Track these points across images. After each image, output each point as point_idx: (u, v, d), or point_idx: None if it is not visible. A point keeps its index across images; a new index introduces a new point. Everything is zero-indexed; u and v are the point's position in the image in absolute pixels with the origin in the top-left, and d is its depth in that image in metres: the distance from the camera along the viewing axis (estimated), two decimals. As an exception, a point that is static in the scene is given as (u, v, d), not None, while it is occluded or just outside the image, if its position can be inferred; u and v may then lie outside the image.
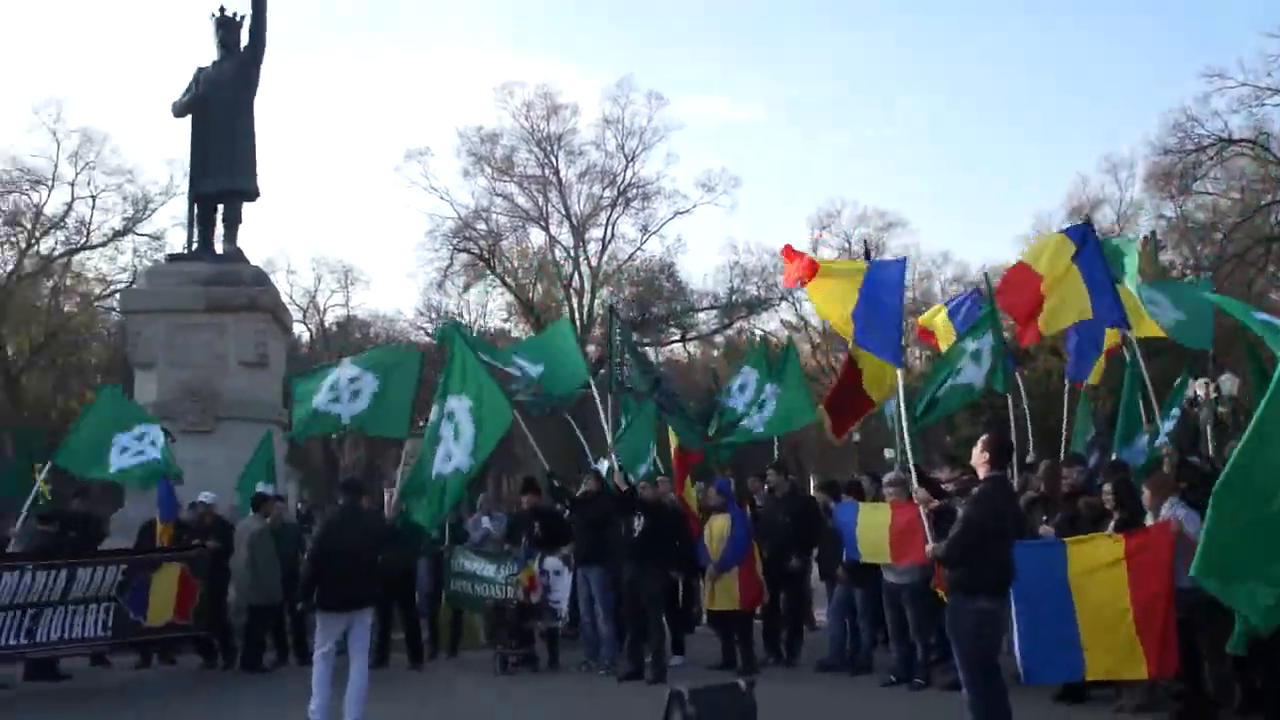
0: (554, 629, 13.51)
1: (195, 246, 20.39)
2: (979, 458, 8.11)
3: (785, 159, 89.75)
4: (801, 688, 11.68)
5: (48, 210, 46.27)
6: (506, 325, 52.09)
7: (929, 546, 8.69)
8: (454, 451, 11.81)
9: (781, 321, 52.79)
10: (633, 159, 49.39)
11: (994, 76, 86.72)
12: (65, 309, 47.75)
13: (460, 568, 14.29)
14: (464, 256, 50.41)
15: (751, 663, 12.50)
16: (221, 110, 19.90)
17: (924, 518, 9.69)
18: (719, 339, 54.31)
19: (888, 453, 28.48)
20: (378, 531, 10.75)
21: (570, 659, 13.39)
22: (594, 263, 49.80)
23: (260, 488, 14.77)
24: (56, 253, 47.16)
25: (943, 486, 10.85)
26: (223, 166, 19.78)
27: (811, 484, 19.64)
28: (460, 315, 48.48)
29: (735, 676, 10.60)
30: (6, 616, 11.92)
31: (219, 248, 20.14)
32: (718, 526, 12.82)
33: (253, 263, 20.48)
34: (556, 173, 49.62)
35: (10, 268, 45.75)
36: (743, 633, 12.78)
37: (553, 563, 13.41)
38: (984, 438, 8.28)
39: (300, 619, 13.05)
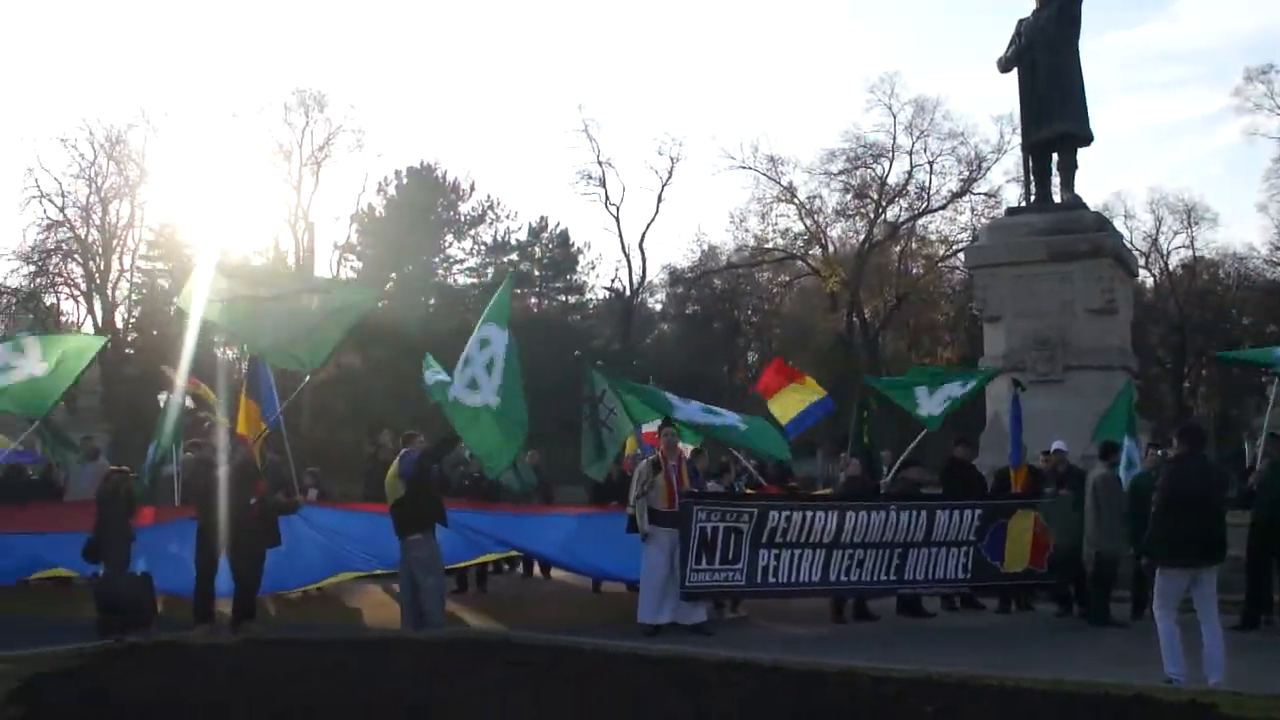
0: None
1: (1033, 198, 20.48)
2: None
3: None
4: None
5: (890, 180, 49.31)
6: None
7: None
8: None
9: None
10: None
11: None
12: (913, 271, 50.38)
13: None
14: (1321, 180, 45.35)
15: None
16: (1047, 57, 19.77)
17: None
18: None
19: None
20: (1222, 481, 9.87)
21: None
22: None
23: (1127, 443, 14.47)
24: (901, 219, 49.95)
25: None
26: (1053, 113, 19.66)
27: None
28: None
29: None
30: (879, 554, 12.88)
31: (1057, 197, 20.04)
32: None
33: (1091, 208, 20.08)
34: None
35: (863, 237, 49.45)
36: None
37: None
38: None
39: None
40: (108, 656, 8.33)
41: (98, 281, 49.40)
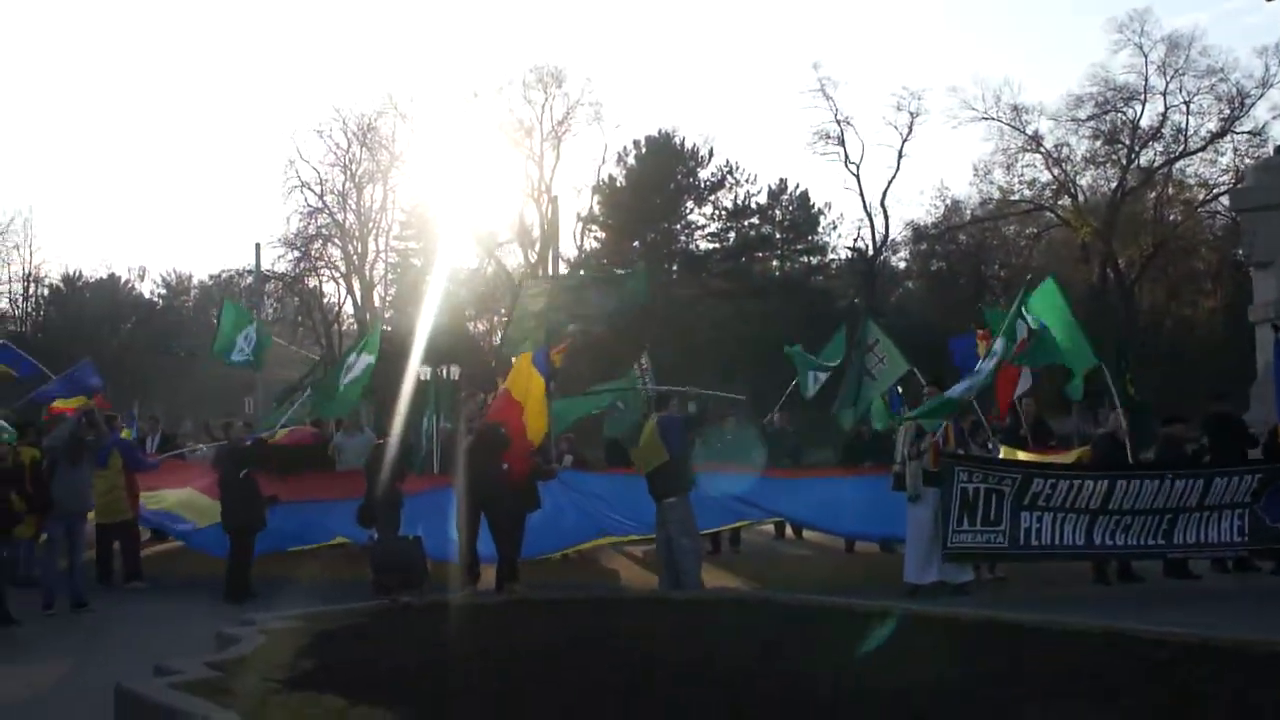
0: None
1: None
2: None
3: None
4: None
5: (1143, 123, 47.03)
6: None
7: None
8: None
9: None
10: None
11: None
12: (1170, 218, 48.03)
13: None
14: None
15: None
16: (1323, -19, 18.58)
17: None
18: None
19: None
20: None
21: None
22: None
23: None
24: (1156, 164, 47.61)
25: None
26: (1329, 42, 18.44)
27: None
28: None
29: None
30: (1147, 519, 12.43)
31: (1332, 131, 18.83)
32: None
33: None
34: None
35: (1115, 184, 47.39)
36: None
37: None
38: None
39: None
40: (383, 616, 8.80)
41: (355, 263, 51.91)
